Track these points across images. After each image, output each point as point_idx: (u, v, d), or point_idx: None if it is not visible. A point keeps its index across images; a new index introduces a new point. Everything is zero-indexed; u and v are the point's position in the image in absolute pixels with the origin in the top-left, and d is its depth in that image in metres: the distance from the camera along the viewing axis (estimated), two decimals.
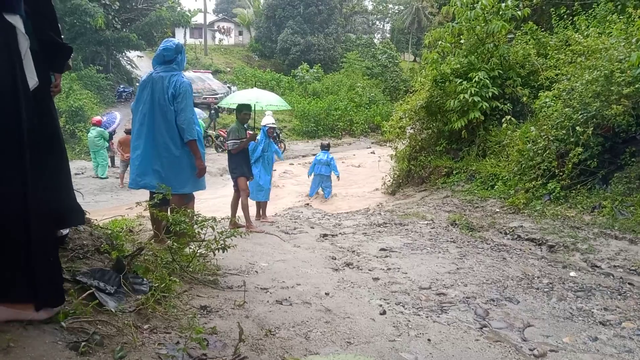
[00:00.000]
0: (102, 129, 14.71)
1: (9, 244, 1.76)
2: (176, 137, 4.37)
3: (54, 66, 2.29)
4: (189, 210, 3.78)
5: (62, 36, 2.49)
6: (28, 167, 1.76)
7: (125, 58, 31.77)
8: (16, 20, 1.73)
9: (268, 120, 9.03)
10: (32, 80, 1.85)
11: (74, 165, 16.05)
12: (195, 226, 3.67)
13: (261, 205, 7.91)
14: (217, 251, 3.61)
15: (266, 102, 8.09)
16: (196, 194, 4.83)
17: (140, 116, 4.46)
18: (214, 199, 11.20)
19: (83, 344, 1.85)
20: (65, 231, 2.63)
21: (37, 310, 1.84)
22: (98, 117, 15.36)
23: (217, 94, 24.86)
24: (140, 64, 32.58)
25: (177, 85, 4.32)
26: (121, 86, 27.41)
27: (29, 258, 1.78)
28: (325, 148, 12.18)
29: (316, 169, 11.85)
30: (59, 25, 2.31)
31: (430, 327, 3.21)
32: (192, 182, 4.55)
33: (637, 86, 6.31)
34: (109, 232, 3.26)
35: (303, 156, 21.64)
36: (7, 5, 1.70)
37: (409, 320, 3.30)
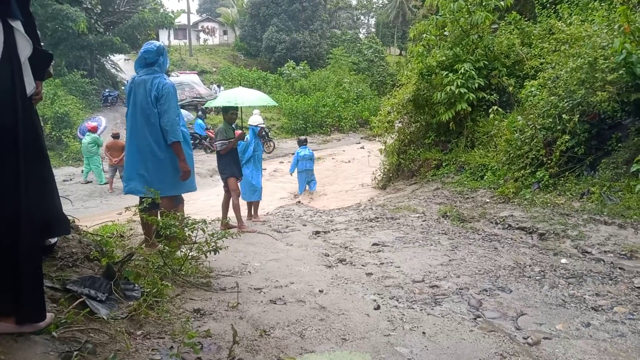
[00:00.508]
0: (97, 136, 14.55)
1: None
2: (160, 140, 4.31)
3: (35, 74, 2.27)
4: (178, 214, 3.76)
5: (43, 43, 2.47)
6: (23, 175, 1.74)
7: (109, 62, 31.48)
8: (17, 25, 1.74)
9: (256, 119, 9.00)
10: (30, 86, 1.86)
11: (62, 172, 15.93)
12: (185, 229, 3.65)
13: (254, 205, 7.89)
14: (209, 253, 3.59)
15: (250, 101, 8.07)
16: (186, 195, 4.80)
17: (127, 122, 4.46)
18: (204, 199, 11.16)
19: (75, 353, 1.83)
20: (53, 240, 2.60)
21: (18, 324, 1.80)
22: (93, 124, 15.15)
23: (204, 99, 24.81)
24: (127, 67, 32.29)
25: (159, 87, 4.27)
26: (106, 90, 27.17)
27: (16, 270, 1.75)
28: (304, 143, 12.31)
29: (300, 165, 11.88)
30: (39, 32, 2.29)
31: (424, 320, 3.22)
32: (179, 184, 4.49)
33: (620, 72, 6.36)
34: (99, 238, 3.22)
35: (292, 154, 21.56)
36: (9, 12, 1.70)
37: (404, 314, 3.31)
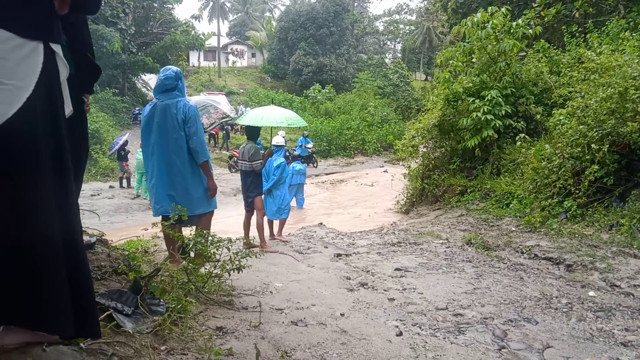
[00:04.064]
0: None
1: (52, 269, 1.67)
2: (186, 161, 4.45)
3: (86, 87, 2.37)
4: (204, 231, 3.81)
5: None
6: (73, 188, 1.78)
7: (140, 81, 32.33)
8: (58, 49, 1.79)
9: (278, 139, 9.10)
10: (68, 109, 1.90)
11: (90, 187, 16.27)
12: (210, 247, 3.69)
13: (280, 222, 7.97)
14: (232, 272, 3.62)
15: (278, 121, 8.17)
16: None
17: (151, 146, 4.52)
18: (235, 218, 11.23)
19: None
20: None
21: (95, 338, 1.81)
22: None
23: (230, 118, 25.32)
24: None
25: (185, 111, 4.41)
26: (136, 108, 27.81)
27: (78, 285, 1.71)
28: (297, 159, 13.45)
29: (294, 180, 12.21)
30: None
31: (447, 349, 3.16)
32: (205, 203, 4.61)
33: None
34: (126, 253, 3.29)
35: (316, 175, 21.70)
36: (52, 35, 1.76)
37: (426, 342, 3.26)
